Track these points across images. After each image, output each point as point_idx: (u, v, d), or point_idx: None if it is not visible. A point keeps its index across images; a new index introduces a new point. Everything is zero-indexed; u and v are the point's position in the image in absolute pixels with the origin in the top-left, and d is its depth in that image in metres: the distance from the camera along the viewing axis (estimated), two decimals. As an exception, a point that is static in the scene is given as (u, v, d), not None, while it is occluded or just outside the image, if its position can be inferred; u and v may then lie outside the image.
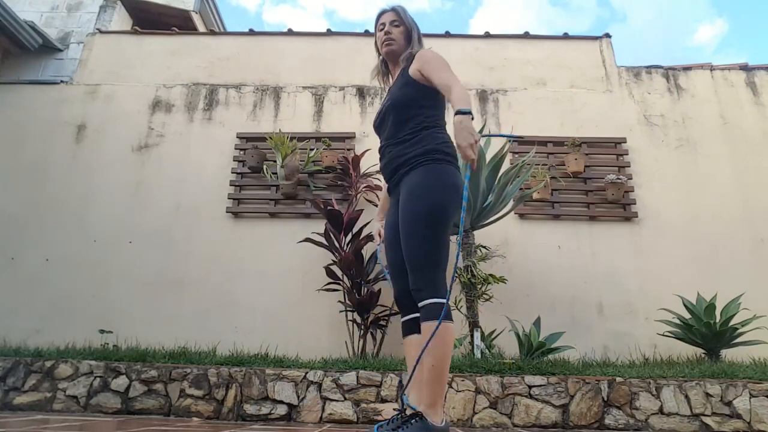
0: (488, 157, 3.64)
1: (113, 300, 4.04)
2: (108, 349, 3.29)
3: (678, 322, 3.49)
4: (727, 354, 3.46)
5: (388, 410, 2.55)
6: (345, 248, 3.76)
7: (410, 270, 1.81)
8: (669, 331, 3.54)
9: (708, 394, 2.57)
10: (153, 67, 4.92)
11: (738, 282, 3.83)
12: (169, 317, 3.96)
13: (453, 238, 3.75)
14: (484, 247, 3.66)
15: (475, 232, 3.61)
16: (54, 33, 5.11)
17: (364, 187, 4.09)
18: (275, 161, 4.26)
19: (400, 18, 2.10)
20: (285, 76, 4.87)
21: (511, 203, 3.70)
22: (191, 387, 2.77)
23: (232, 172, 4.44)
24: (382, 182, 3.78)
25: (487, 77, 4.83)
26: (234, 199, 4.35)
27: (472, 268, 3.39)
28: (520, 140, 4.41)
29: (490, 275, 3.42)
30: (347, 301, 3.68)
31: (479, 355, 3.14)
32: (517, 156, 4.35)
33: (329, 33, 5.10)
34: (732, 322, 3.34)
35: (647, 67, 4.86)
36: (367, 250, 3.86)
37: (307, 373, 2.75)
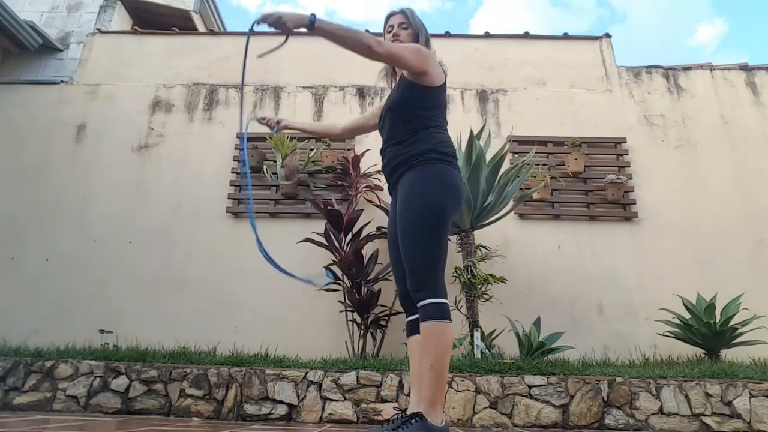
0: (488, 157, 3.63)
1: (113, 300, 4.04)
2: (108, 349, 3.29)
3: (678, 322, 3.49)
4: (727, 354, 3.46)
5: (388, 410, 2.55)
6: (345, 248, 3.76)
7: (408, 270, 1.81)
8: (669, 331, 3.54)
9: (708, 394, 2.57)
10: (153, 67, 4.91)
11: (738, 282, 3.83)
12: (169, 317, 3.96)
13: (453, 238, 3.76)
14: (484, 247, 3.66)
15: (475, 232, 3.61)
16: (54, 33, 5.11)
17: (364, 187, 4.09)
18: (275, 161, 4.26)
19: (408, 20, 2.10)
20: (285, 76, 4.87)
21: (511, 203, 3.70)
22: (191, 387, 2.77)
23: (232, 172, 4.44)
24: (382, 182, 3.79)
25: (487, 77, 4.82)
26: (234, 199, 4.35)
27: (472, 268, 3.39)
28: (520, 140, 4.41)
29: (490, 275, 3.42)
30: (347, 301, 3.68)
31: (479, 355, 3.14)
32: (517, 156, 4.35)
33: (329, 33, 5.09)
34: (732, 322, 3.34)
35: (647, 67, 4.86)
36: (367, 250, 3.86)
37: (307, 373, 2.75)
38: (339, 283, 3.72)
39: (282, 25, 1.72)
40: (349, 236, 3.81)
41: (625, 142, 4.48)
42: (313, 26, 1.76)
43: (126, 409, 2.75)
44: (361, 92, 4.76)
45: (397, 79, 2.12)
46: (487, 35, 5.05)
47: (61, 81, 4.85)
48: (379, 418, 2.57)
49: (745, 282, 3.84)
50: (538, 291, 4.01)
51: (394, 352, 3.52)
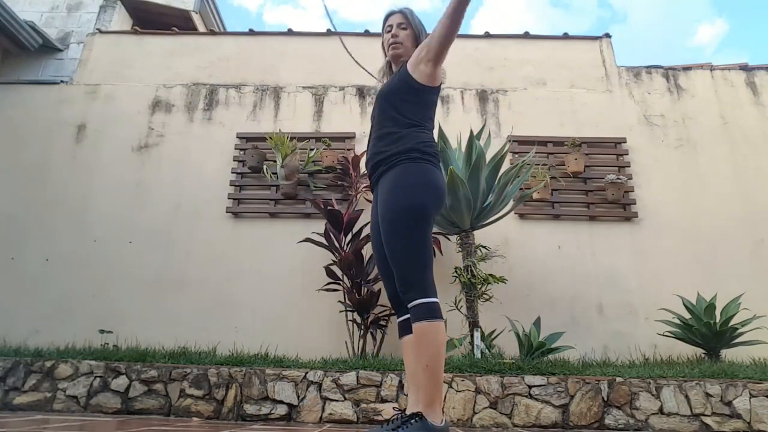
0: (488, 157, 3.63)
1: (113, 300, 4.04)
2: (108, 349, 3.29)
3: (678, 322, 3.49)
4: (727, 354, 3.46)
5: (388, 410, 2.55)
6: (345, 248, 3.76)
7: (395, 271, 1.80)
8: (669, 331, 3.54)
9: (708, 394, 2.57)
10: (153, 67, 4.92)
11: (738, 282, 3.83)
12: (169, 317, 3.96)
13: (453, 238, 3.76)
14: (484, 247, 3.66)
15: (475, 232, 3.61)
16: (54, 33, 5.11)
17: (364, 187, 4.09)
18: (275, 161, 4.26)
19: (407, 21, 2.09)
20: (285, 76, 4.87)
21: (511, 203, 3.70)
22: (191, 387, 2.77)
23: (232, 172, 4.44)
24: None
25: (487, 77, 4.82)
26: (234, 199, 4.35)
27: (472, 268, 3.39)
28: (520, 140, 4.42)
29: (490, 275, 3.42)
30: (347, 301, 3.68)
31: (479, 355, 3.14)
32: (517, 156, 4.35)
33: (329, 33, 5.10)
34: (732, 322, 3.34)
35: (647, 67, 4.86)
36: (367, 250, 3.86)
37: (307, 373, 2.75)
38: (339, 283, 3.72)
39: None
40: (349, 236, 3.81)
41: (625, 142, 4.48)
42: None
43: (126, 409, 2.75)
44: (361, 92, 4.76)
45: (396, 70, 2.12)
46: (487, 35, 5.05)
47: (61, 81, 4.85)
48: (379, 418, 2.57)
49: (745, 282, 3.84)
50: (538, 291, 4.01)
51: (394, 352, 3.52)
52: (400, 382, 2.68)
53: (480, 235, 3.72)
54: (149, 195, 4.39)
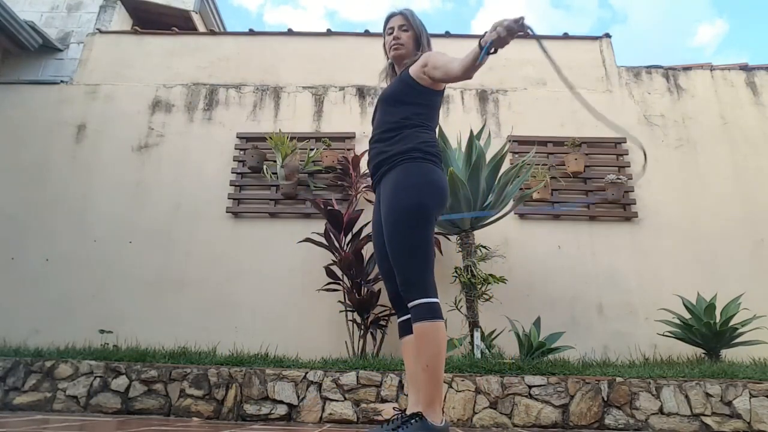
0: (488, 157, 3.63)
1: (113, 300, 4.04)
2: (108, 349, 3.29)
3: (678, 322, 3.49)
4: (727, 354, 3.46)
5: (388, 410, 2.55)
6: (345, 248, 3.76)
7: (396, 270, 1.80)
8: (669, 331, 3.54)
9: (708, 394, 2.57)
10: (153, 67, 4.92)
11: (738, 282, 3.83)
12: (169, 317, 3.96)
13: (453, 238, 3.76)
14: (484, 247, 3.66)
15: (475, 232, 3.61)
16: (54, 33, 5.11)
17: (364, 187, 4.09)
18: (275, 161, 4.26)
19: (408, 22, 2.09)
20: (285, 76, 4.87)
21: (511, 203, 3.70)
22: (191, 387, 2.77)
23: (232, 172, 4.44)
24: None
25: (487, 77, 4.82)
26: (234, 199, 4.35)
27: (472, 268, 3.39)
28: (520, 140, 4.42)
29: (490, 275, 3.42)
30: (347, 301, 3.68)
31: (479, 355, 3.14)
32: (517, 156, 4.35)
33: (329, 33, 5.10)
34: (732, 322, 3.34)
35: (647, 67, 4.86)
36: (367, 250, 3.86)
37: (307, 373, 2.75)
38: (339, 283, 3.72)
39: (507, 37, 1.64)
40: (349, 236, 3.81)
41: (625, 142, 4.48)
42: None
43: (126, 409, 2.75)
44: (361, 92, 4.76)
45: (398, 73, 2.11)
46: (487, 35, 5.04)
47: (61, 81, 4.85)
48: (379, 418, 2.57)
49: (745, 282, 3.84)
50: (538, 291, 4.01)
51: (394, 352, 3.52)
52: (400, 382, 2.68)
53: (480, 235, 3.72)
54: (149, 195, 4.39)
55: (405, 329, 1.90)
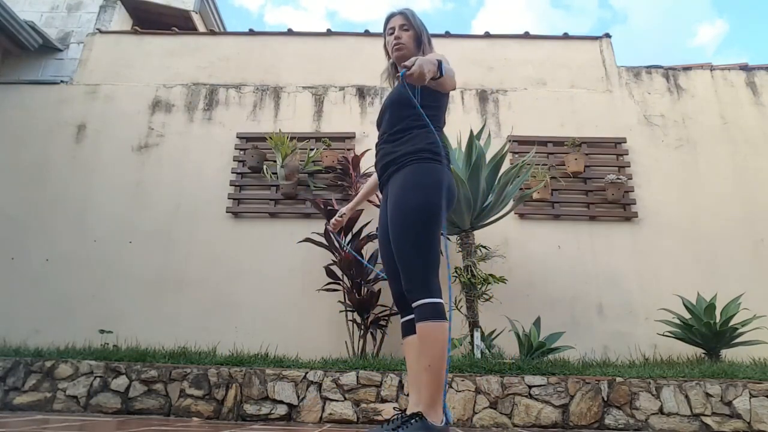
0: (488, 157, 3.63)
1: (113, 300, 4.04)
2: (108, 349, 3.28)
3: (678, 322, 3.49)
4: (727, 354, 3.46)
5: (388, 410, 2.55)
6: (345, 248, 3.75)
7: (401, 270, 1.80)
8: (669, 331, 3.54)
9: (708, 394, 2.57)
10: (153, 67, 4.92)
11: (738, 282, 3.83)
12: (169, 317, 3.96)
13: (453, 238, 3.76)
14: (484, 247, 3.66)
15: (475, 232, 3.61)
16: (54, 33, 5.11)
17: (364, 187, 4.09)
18: (275, 161, 4.26)
19: (409, 22, 2.09)
20: (285, 76, 4.87)
21: (511, 203, 3.70)
22: (191, 387, 2.77)
23: (232, 172, 4.44)
24: (382, 182, 3.79)
25: (487, 77, 4.82)
26: (234, 199, 4.35)
27: (472, 268, 3.39)
28: (520, 140, 4.43)
29: (490, 275, 3.42)
30: (347, 301, 3.68)
31: (479, 355, 3.13)
32: (517, 156, 4.35)
33: (329, 33, 5.10)
34: (732, 322, 3.34)
35: (647, 67, 4.86)
36: (367, 250, 3.86)
37: (307, 373, 2.75)
38: (339, 283, 3.72)
39: (421, 79, 1.60)
40: (349, 236, 3.81)
41: (625, 142, 4.48)
42: (441, 74, 1.69)
43: (126, 409, 2.75)
44: (361, 92, 4.76)
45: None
46: (488, 35, 5.05)
47: (61, 81, 4.85)
48: (379, 418, 2.57)
49: (745, 282, 3.85)
50: (538, 291, 4.01)
51: (394, 352, 3.52)
52: (400, 382, 2.68)
53: (480, 235, 3.72)
54: (149, 195, 4.39)
55: (408, 329, 1.90)
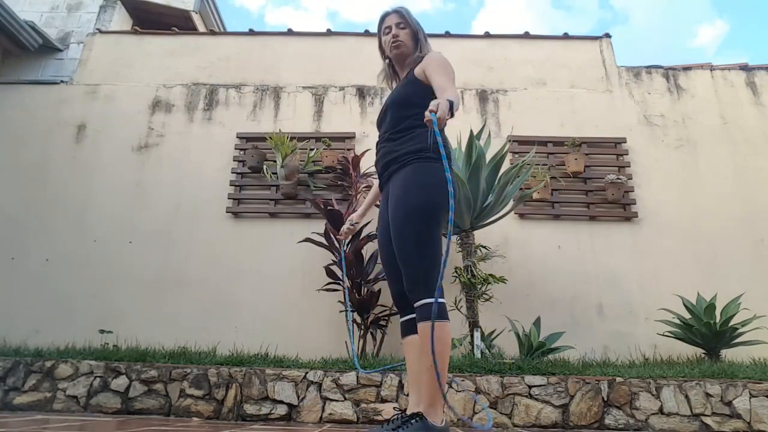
0: (488, 157, 3.63)
1: (113, 300, 4.04)
2: (108, 349, 3.28)
3: (678, 322, 3.49)
4: (727, 354, 3.46)
5: (388, 410, 2.55)
6: (345, 248, 3.75)
7: (403, 269, 1.79)
8: (669, 331, 3.54)
9: (708, 394, 2.57)
10: (153, 67, 4.92)
11: (738, 282, 3.83)
12: (169, 317, 3.96)
13: (453, 238, 3.76)
14: (484, 247, 3.66)
15: (475, 232, 3.61)
16: (54, 33, 5.11)
17: (364, 187, 4.09)
18: (275, 161, 4.26)
19: (405, 20, 2.09)
20: (285, 76, 4.87)
21: (511, 203, 3.70)
22: (191, 387, 2.77)
23: (232, 172, 4.44)
24: (382, 182, 3.79)
25: (487, 77, 4.82)
26: (234, 199, 4.35)
27: (472, 268, 3.39)
28: (520, 140, 4.43)
29: (490, 275, 3.42)
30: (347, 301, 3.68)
31: (479, 355, 3.13)
32: (517, 156, 4.35)
33: (329, 33, 5.10)
34: (732, 322, 3.34)
35: (647, 67, 4.86)
36: (367, 250, 3.86)
37: (307, 373, 2.75)
38: (339, 283, 3.72)
39: (443, 118, 1.61)
40: (350, 236, 3.80)
41: (625, 142, 4.48)
42: (452, 115, 1.66)
43: (126, 409, 2.75)
44: (361, 92, 4.76)
45: (403, 76, 2.11)
46: (488, 35, 5.05)
47: (61, 81, 4.85)
48: (379, 418, 2.57)
49: (745, 282, 3.85)
50: (538, 291, 4.01)
51: (394, 352, 3.53)
52: (400, 382, 2.68)
53: (480, 235, 3.72)
54: (149, 195, 4.39)
55: (408, 329, 1.90)
